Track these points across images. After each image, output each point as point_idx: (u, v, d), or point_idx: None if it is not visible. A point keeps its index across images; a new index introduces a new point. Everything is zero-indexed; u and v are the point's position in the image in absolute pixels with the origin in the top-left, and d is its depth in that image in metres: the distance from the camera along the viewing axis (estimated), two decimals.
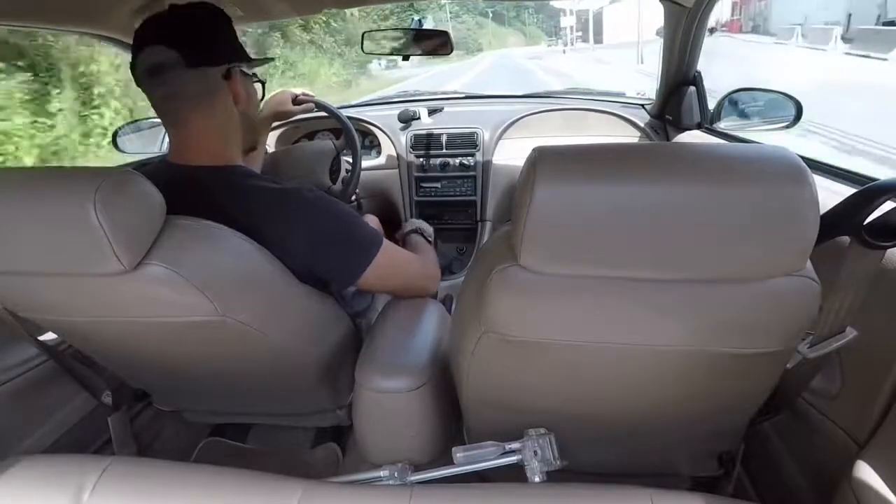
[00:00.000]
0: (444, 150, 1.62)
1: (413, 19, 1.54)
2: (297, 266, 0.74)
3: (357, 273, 0.77)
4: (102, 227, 0.53)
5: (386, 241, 0.80)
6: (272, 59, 0.85)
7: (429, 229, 1.14)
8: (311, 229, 0.73)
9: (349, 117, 1.31)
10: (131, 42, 0.93)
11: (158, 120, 1.49)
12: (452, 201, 1.60)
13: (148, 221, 0.58)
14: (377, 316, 0.93)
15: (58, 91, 5.04)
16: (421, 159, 1.64)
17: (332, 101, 1.38)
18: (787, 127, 1.23)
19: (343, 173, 1.33)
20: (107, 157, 5.00)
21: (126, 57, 0.85)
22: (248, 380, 0.85)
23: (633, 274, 0.47)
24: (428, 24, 1.61)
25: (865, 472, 0.53)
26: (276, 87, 1.22)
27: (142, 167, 0.83)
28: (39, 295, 0.65)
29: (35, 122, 4.77)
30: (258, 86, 0.86)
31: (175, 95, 0.73)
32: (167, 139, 1.52)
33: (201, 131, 0.75)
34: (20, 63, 4.76)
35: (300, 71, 12.48)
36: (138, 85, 0.75)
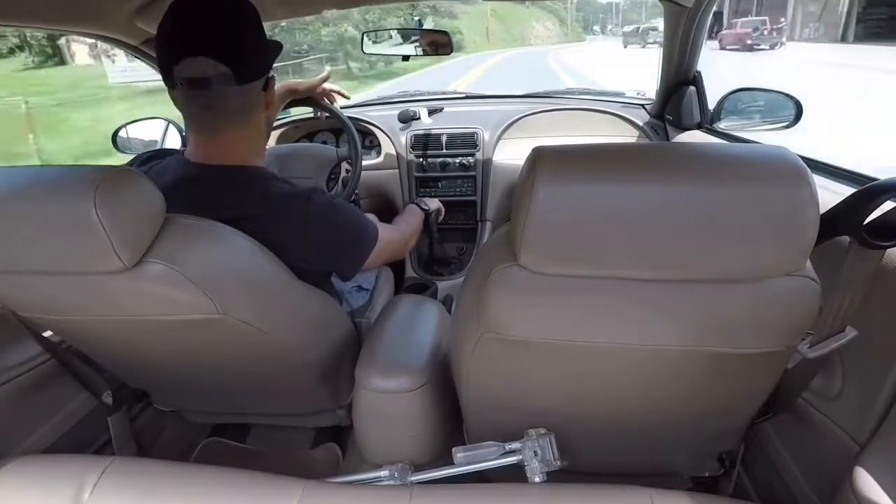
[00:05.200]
0: (444, 150, 1.62)
1: (413, 19, 1.53)
2: (308, 262, 0.75)
3: (360, 265, 0.82)
4: (102, 225, 0.53)
5: (379, 229, 0.85)
6: (282, 47, 0.82)
7: (433, 204, 1.25)
8: (327, 232, 0.76)
9: (349, 117, 1.31)
10: (132, 42, 0.92)
11: (158, 119, 1.51)
12: (452, 201, 1.60)
13: (148, 219, 0.58)
14: (377, 316, 0.94)
15: None
16: (421, 159, 1.64)
17: None
18: (787, 127, 1.23)
19: (343, 173, 1.34)
20: None
21: None
22: (248, 379, 0.85)
23: (634, 274, 0.47)
24: None
25: (866, 473, 0.53)
26: None
27: (153, 159, 0.83)
28: (39, 293, 0.65)
29: None
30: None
31: (215, 108, 0.71)
32: (168, 138, 1.52)
33: (231, 140, 0.75)
34: None
35: None
36: (168, 86, 0.72)
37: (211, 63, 0.67)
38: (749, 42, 18.45)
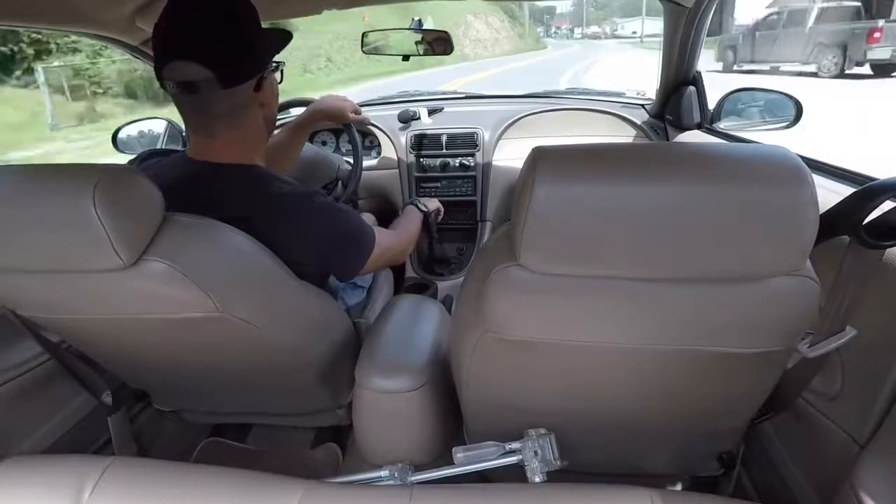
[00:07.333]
0: (444, 151, 1.62)
1: (413, 19, 1.53)
2: (307, 263, 0.75)
3: (358, 269, 0.82)
4: (101, 223, 0.53)
5: (376, 234, 0.85)
6: (290, 37, 0.82)
7: (431, 204, 1.22)
8: (326, 232, 0.76)
9: None
10: (132, 42, 0.92)
11: (158, 119, 1.51)
12: (452, 201, 1.60)
13: (147, 217, 0.58)
14: (377, 316, 0.94)
15: None
16: (421, 159, 1.64)
17: None
18: (788, 127, 1.23)
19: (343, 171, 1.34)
20: None
21: None
22: (248, 379, 0.85)
23: (633, 274, 0.47)
24: None
25: (866, 473, 0.53)
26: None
27: (154, 156, 0.83)
28: (39, 292, 0.65)
29: None
30: (277, 74, 0.82)
31: (204, 111, 0.72)
32: (168, 138, 1.52)
33: (226, 141, 0.75)
34: None
35: None
36: (162, 87, 0.72)
37: (196, 67, 0.67)
38: None
